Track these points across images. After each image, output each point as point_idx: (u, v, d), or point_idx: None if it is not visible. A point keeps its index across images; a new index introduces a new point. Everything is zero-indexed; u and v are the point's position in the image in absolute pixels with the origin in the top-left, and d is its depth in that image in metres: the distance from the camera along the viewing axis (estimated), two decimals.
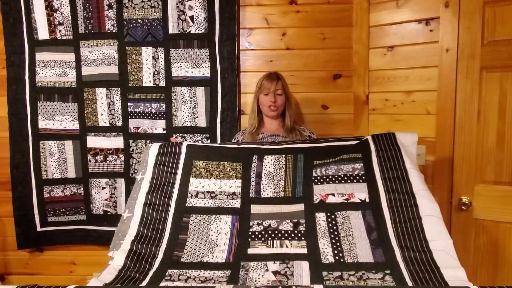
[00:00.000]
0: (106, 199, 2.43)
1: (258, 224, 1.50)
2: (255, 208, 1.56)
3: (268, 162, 1.70)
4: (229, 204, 1.59)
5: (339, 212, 1.48)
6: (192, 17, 2.30)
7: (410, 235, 1.33)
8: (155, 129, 2.38)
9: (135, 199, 1.64)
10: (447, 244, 1.27)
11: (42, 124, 2.40)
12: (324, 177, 1.62)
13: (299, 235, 1.44)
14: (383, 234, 1.37)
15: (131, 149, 2.40)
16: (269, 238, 1.44)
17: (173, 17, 2.30)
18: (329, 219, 1.48)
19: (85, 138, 2.41)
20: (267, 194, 1.61)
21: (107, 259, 1.49)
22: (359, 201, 1.51)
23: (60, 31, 2.35)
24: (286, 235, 1.45)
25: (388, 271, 1.24)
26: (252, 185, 1.64)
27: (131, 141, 2.39)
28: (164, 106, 2.37)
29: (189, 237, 1.49)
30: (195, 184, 1.66)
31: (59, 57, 2.36)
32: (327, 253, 1.35)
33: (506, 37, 1.80)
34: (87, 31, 2.34)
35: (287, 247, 1.40)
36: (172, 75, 2.34)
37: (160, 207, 1.59)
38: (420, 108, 2.09)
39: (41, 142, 2.40)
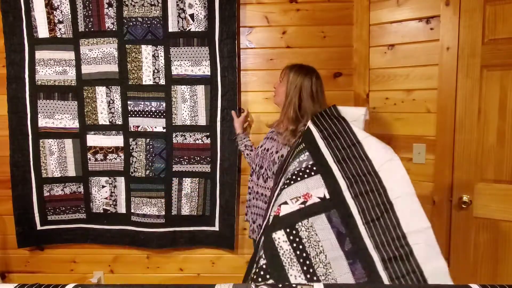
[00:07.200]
0: (106, 198, 2.43)
1: None
2: None
3: None
4: None
5: (300, 224, 1.24)
6: (192, 15, 2.30)
7: (385, 232, 1.19)
8: (155, 127, 2.38)
9: None
10: (426, 236, 1.15)
11: (42, 122, 2.39)
12: (278, 191, 1.37)
13: (262, 273, 1.19)
14: (356, 239, 1.21)
15: (131, 148, 2.39)
16: None
17: (173, 15, 2.30)
18: (291, 238, 1.23)
19: (85, 137, 2.40)
20: None
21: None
22: (319, 200, 1.28)
23: (60, 29, 2.34)
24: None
25: None
26: None
27: (131, 139, 2.39)
28: (164, 105, 2.36)
29: None
30: None
31: (59, 56, 2.36)
32: None
33: (507, 36, 1.80)
34: (87, 30, 2.33)
35: None
36: (172, 73, 2.34)
37: None
38: (421, 107, 2.09)
39: (41, 140, 2.40)
